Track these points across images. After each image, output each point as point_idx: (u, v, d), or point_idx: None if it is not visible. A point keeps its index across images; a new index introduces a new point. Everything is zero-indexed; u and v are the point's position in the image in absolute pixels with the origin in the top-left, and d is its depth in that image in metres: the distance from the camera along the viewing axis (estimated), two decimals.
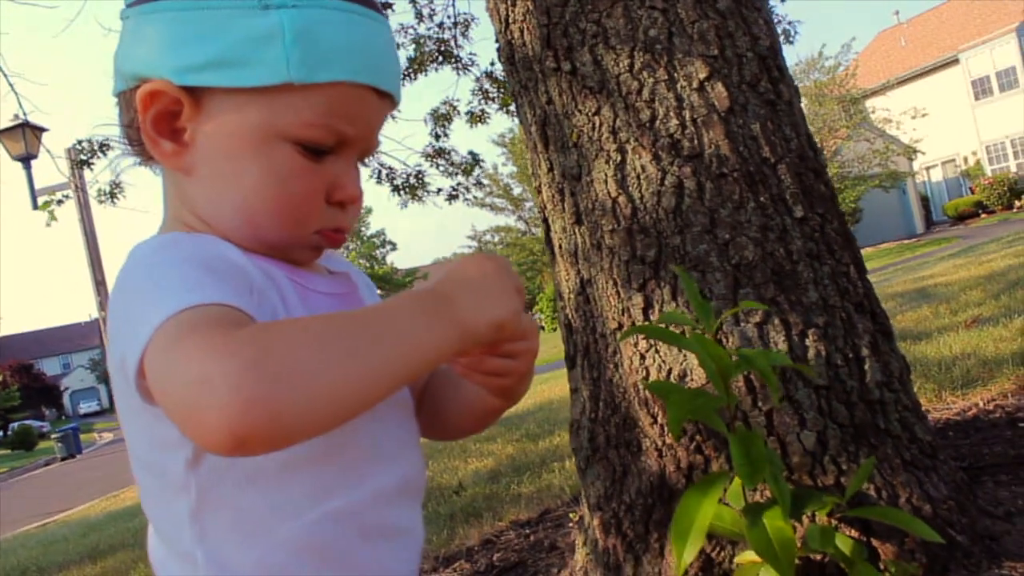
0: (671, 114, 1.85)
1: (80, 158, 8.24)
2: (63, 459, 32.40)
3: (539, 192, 2.14)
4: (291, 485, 0.78)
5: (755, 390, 1.72)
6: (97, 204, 8.83)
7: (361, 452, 0.83)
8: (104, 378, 57.53)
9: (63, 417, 56.80)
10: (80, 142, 8.44)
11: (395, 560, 0.86)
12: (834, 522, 1.60)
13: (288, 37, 0.77)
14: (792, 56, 28.27)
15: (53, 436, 35.87)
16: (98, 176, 8.66)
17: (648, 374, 1.81)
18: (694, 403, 1.39)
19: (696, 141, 1.84)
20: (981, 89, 32.72)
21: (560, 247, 2.04)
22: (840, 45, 51.23)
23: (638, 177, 1.86)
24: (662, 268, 1.81)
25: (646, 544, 1.79)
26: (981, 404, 3.24)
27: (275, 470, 0.77)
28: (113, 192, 8.75)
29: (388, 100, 0.85)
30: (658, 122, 1.86)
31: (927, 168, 34.83)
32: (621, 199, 1.87)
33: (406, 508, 0.89)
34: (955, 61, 33.02)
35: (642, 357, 1.83)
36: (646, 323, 1.79)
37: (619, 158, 1.88)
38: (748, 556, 1.60)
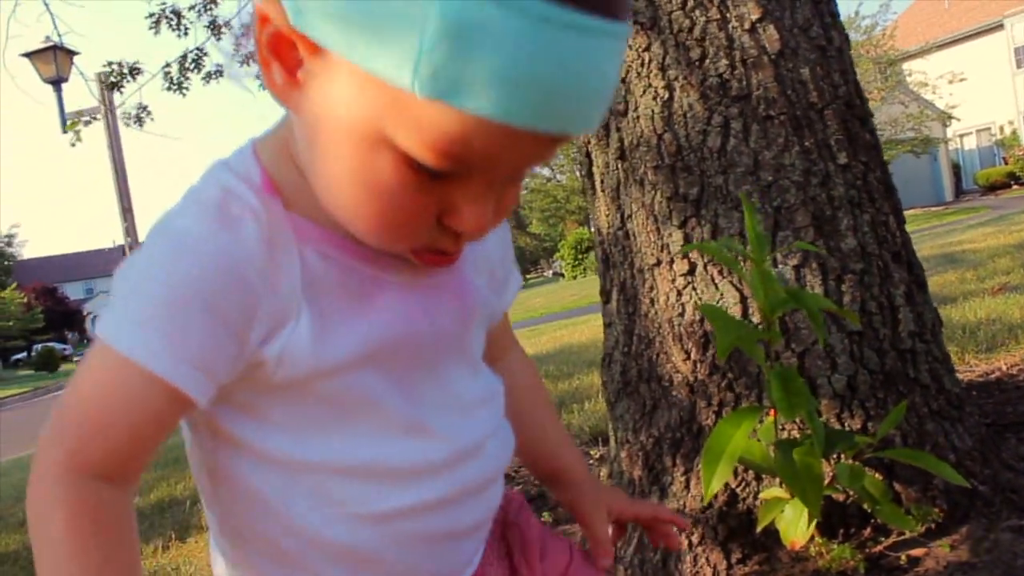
0: (721, 54, 1.84)
1: (110, 80, 8.26)
2: None
3: None
4: (312, 486, 0.74)
5: (789, 331, 1.74)
6: (124, 127, 8.88)
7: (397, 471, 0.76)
8: None
9: (85, 341, 57.52)
10: (110, 64, 8.46)
11: (444, 553, 0.80)
12: (859, 464, 1.63)
13: (433, 31, 0.53)
14: None
15: (76, 359, 36.51)
16: (128, 99, 8.67)
17: (684, 311, 1.83)
18: (740, 331, 1.41)
19: (745, 82, 1.83)
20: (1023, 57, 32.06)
21: (602, 182, 2.05)
22: (879, 4, 50.04)
23: (684, 115, 1.86)
24: (703, 206, 1.82)
25: (672, 476, 1.83)
26: (1004, 367, 3.24)
27: (294, 468, 0.74)
28: (140, 116, 8.79)
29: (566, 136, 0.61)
30: (707, 61, 1.85)
31: (961, 136, 34.28)
32: (666, 136, 1.87)
33: (463, 508, 0.80)
34: (999, 26, 32.26)
35: (679, 294, 1.84)
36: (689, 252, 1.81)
37: (667, 95, 1.88)
38: (773, 492, 1.64)
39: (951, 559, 1.53)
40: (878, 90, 28.54)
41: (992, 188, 30.57)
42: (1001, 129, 33.38)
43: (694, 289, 1.83)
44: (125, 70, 8.54)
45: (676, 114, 1.87)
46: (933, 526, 1.63)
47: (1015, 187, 29.47)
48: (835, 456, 1.63)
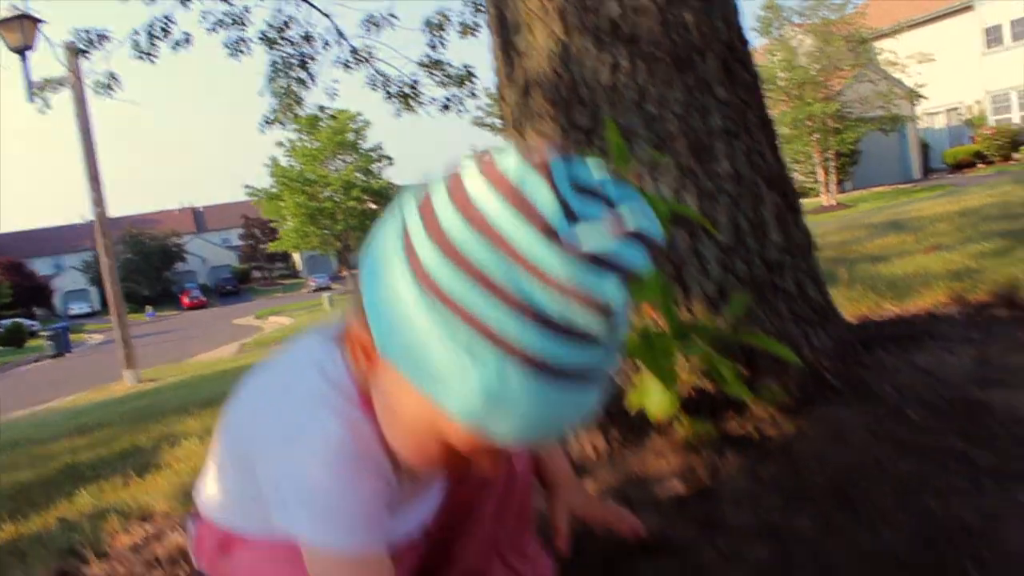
0: (613, 2, 2.07)
1: (78, 47, 8.35)
2: (53, 357, 32.72)
3: (497, 73, 2.36)
4: None
5: (668, 242, 1.98)
6: (94, 95, 8.95)
7: None
8: (96, 280, 57.73)
9: (54, 318, 57.20)
10: (79, 31, 8.53)
11: None
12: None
13: (478, 394, 0.80)
14: None
15: (43, 334, 36.27)
16: (96, 66, 8.75)
17: None
18: None
19: (633, 26, 2.05)
20: (993, 38, 32.41)
21: (511, 116, 2.27)
22: None
23: (580, 56, 2.08)
24: (594, 135, 2.06)
25: None
26: (913, 310, 3.50)
27: None
28: (109, 84, 8.88)
29: None
30: (601, 8, 2.07)
31: (930, 114, 34.70)
32: (564, 74, 2.09)
33: None
34: (969, 7, 32.62)
35: None
36: None
37: (565, 38, 2.10)
38: (643, 379, 1.88)
39: (793, 433, 1.78)
40: (849, 67, 28.90)
41: (959, 167, 31.07)
42: (969, 109, 33.85)
43: None
44: (94, 37, 8.62)
45: (573, 55, 2.09)
46: (786, 411, 1.87)
47: (980, 166, 29.98)
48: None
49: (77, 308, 65.40)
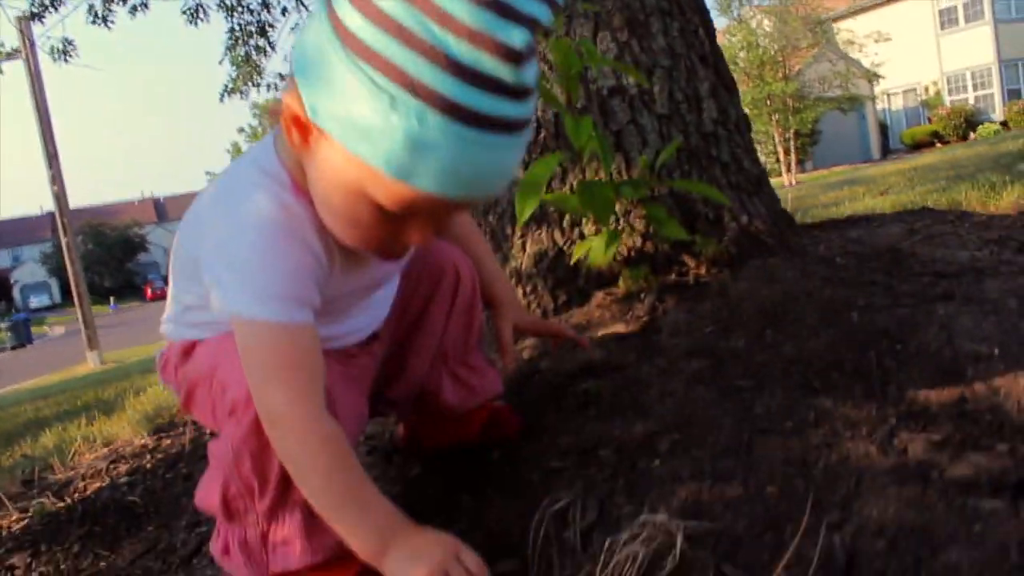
0: None
1: (31, 11, 8.22)
2: (13, 348, 32.29)
3: None
4: None
5: (607, 112, 2.05)
6: (51, 62, 8.82)
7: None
8: (56, 271, 56.75)
9: (13, 311, 56.20)
10: None
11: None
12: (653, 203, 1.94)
13: (400, 143, 0.88)
14: None
15: (2, 325, 35.71)
16: (50, 31, 8.63)
17: None
18: (549, 95, 1.73)
19: None
20: (948, 19, 32.94)
21: None
22: None
23: None
24: None
25: (511, 243, 2.14)
26: None
27: None
28: (66, 49, 8.77)
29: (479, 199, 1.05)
30: None
31: (888, 95, 35.21)
32: None
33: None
34: None
35: None
36: None
37: None
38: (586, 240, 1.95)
39: (728, 279, 1.85)
40: (807, 47, 29.27)
41: (917, 147, 31.54)
42: (926, 90, 34.40)
43: None
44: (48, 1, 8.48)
45: None
46: (722, 264, 1.95)
47: (938, 145, 30.49)
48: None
49: (37, 301, 64.34)
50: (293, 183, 1.09)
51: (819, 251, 2.04)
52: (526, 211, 1.69)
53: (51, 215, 14.24)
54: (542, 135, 2.10)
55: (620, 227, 1.94)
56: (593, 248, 1.83)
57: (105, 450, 2.71)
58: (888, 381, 1.37)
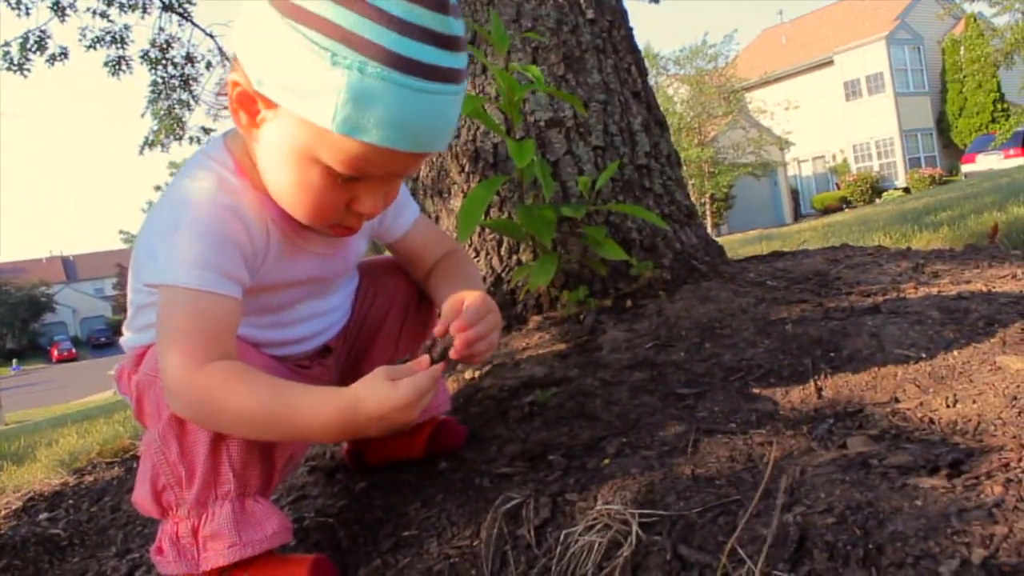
0: None
1: None
2: None
3: None
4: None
5: (544, 144, 2.10)
6: None
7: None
8: None
9: None
10: None
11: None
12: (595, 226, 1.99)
13: (343, 96, 0.93)
14: (677, 43, 29.36)
15: None
16: None
17: (460, 135, 2.17)
18: (490, 122, 1.78)
19: None
20: (852, 91, 34.63)
21: None
22: (723, 36, 53.08)
23: None
24: (476, 43, 2.17)
25: None
26: None
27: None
28: None
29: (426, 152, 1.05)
30: None
31: (799, 162, 36.64)
32: None
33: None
34: (830, 62, 34.81)
35: None
36: None
37: None
38: (526, 267, 1.98)
39: (665, 300, 1.90)
40: (722, 115, 30.36)
41: (827, 211, 32.78)
42: (834, 157, 35.96)
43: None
44: None
45: None
46: (658, 287, 2.00)
47: (847, 210, 31.76)
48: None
49: None
50: (237, 165, 1.13)
51: (750, 276, 2.11)
52: (467, 230, 1.71)
53: None
54: (480, 164, 2.13)
55: (559, 252, 1.97)
56: (533, 272, 1.86)
57: (18, 494, 2.58)
58: (824, 385, 1.42)
